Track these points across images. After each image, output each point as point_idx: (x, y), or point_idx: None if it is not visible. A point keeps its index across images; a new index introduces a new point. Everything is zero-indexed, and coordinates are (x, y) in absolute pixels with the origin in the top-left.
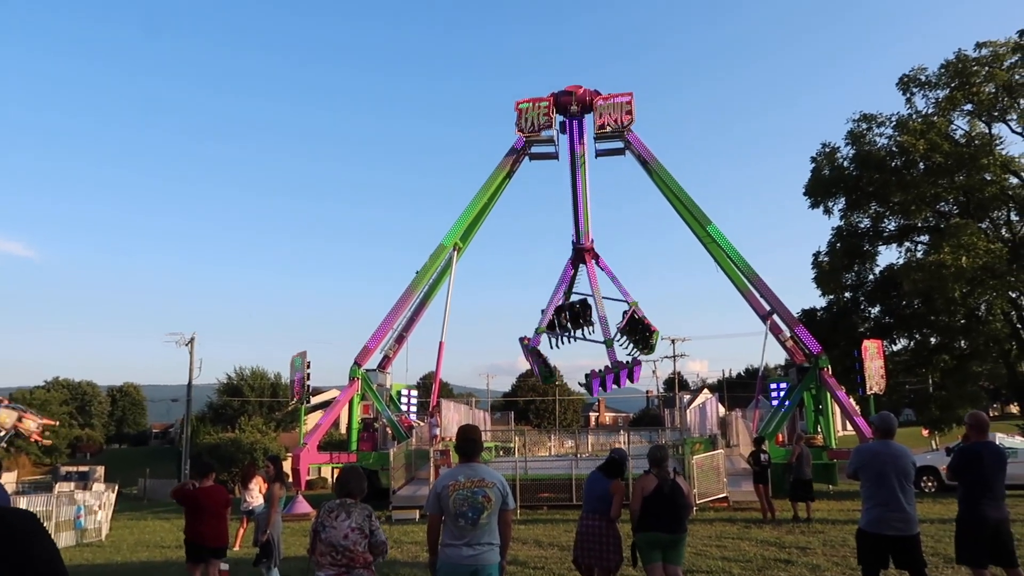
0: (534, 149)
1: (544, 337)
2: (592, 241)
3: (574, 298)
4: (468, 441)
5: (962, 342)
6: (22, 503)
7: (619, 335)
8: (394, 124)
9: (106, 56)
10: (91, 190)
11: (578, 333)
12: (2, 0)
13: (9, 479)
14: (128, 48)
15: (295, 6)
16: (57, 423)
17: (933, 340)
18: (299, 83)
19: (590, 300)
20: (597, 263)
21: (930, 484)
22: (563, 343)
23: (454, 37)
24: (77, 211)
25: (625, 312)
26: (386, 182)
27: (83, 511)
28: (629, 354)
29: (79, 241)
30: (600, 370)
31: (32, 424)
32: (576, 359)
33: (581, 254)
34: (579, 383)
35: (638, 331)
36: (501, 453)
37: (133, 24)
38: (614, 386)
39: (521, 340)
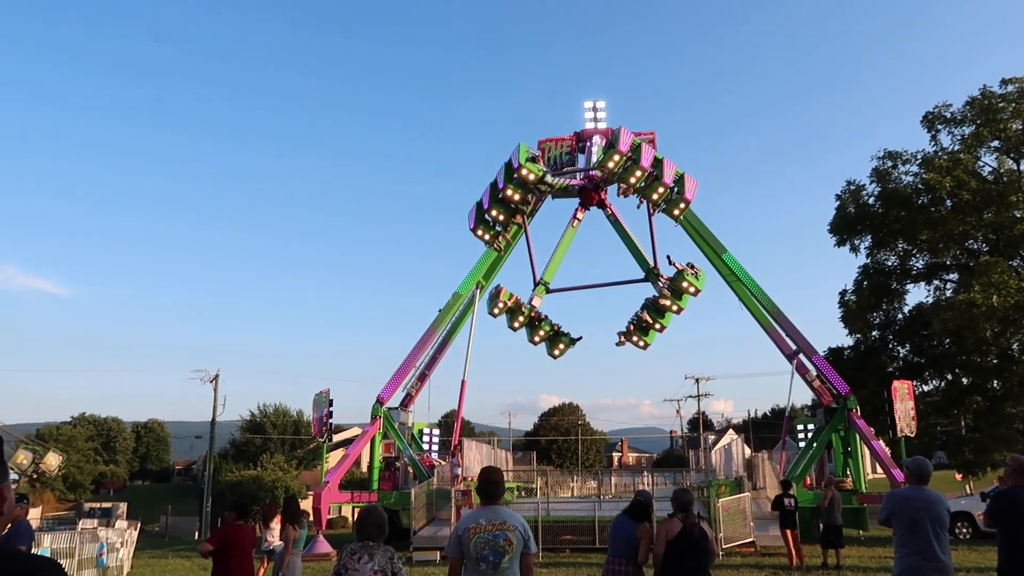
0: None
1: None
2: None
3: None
4: (490, 483)
5: (995, 383)
6: (46, 540)
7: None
8: (410, 152)
9: (127, 113)
10: (120, 229)
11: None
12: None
13: (33, 515)
14: (151, 105)
15: (315, 70)
16: (62, 458)
17: (965, 380)
18: (326, 142)
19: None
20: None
21: (965, 531)
22: None
23: (470, 97)
24: (106, 249)
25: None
26: (410, 224)
27: (105, 548)
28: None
29: (108, 278)
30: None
31: (54, 461)
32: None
33: (589, 196)
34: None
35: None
36: (523, 494)
37: (150, 85)
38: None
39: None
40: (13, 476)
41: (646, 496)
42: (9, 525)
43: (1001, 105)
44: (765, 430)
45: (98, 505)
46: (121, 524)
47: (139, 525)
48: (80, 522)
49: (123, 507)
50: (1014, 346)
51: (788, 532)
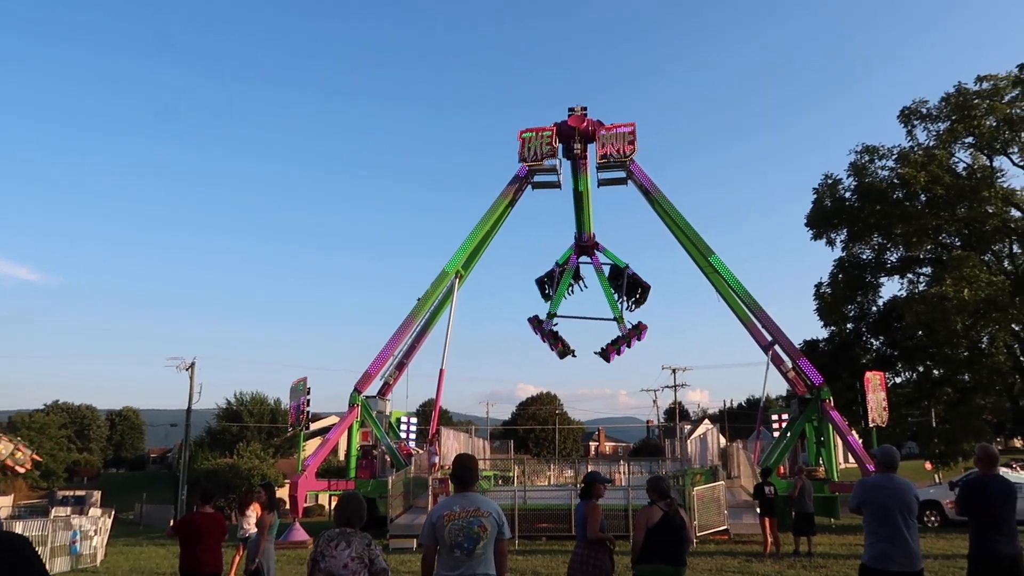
0: (537, 178)
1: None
2: (594, 236)
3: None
4: (464, 469)
5: (965, 375)
6: (18, 527)
7: (619, 297)
8: (400, 142)
9: (118, 81)
10: (97, 216)
11: (572, 289)
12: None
13: (5, 503)
14: (143, 83)
15: (302, 49)
16: (34, 461)
17: (936, 373)
18: (309, 134)
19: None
20: (600, 251)
21: (933, 519)
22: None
23: (457, 72)
24: (83, 236)
25: (622, 273)
26: (392, 202)
27: (79, 536)
28: (628, 322)
29: (84, 265)
30: (614, 340)
31: (21, 455)
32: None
33: (585, 250)
34: (595, 352)
35: (636, 291)
36: (500, 482)
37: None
38: (627, 349)
39: (532, 320)
40: None
41: (592, 475)
42: None
43: (976, 102)
44: (740, 420)
45: (71, 493)
46: (95, 512)
47: (113, 513)
48: (53, 510)
49: (97, 495)
50: (984, 339)
51: (767, 520)
